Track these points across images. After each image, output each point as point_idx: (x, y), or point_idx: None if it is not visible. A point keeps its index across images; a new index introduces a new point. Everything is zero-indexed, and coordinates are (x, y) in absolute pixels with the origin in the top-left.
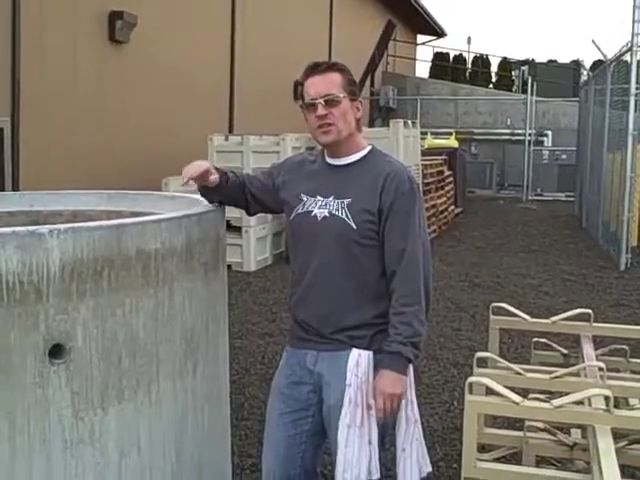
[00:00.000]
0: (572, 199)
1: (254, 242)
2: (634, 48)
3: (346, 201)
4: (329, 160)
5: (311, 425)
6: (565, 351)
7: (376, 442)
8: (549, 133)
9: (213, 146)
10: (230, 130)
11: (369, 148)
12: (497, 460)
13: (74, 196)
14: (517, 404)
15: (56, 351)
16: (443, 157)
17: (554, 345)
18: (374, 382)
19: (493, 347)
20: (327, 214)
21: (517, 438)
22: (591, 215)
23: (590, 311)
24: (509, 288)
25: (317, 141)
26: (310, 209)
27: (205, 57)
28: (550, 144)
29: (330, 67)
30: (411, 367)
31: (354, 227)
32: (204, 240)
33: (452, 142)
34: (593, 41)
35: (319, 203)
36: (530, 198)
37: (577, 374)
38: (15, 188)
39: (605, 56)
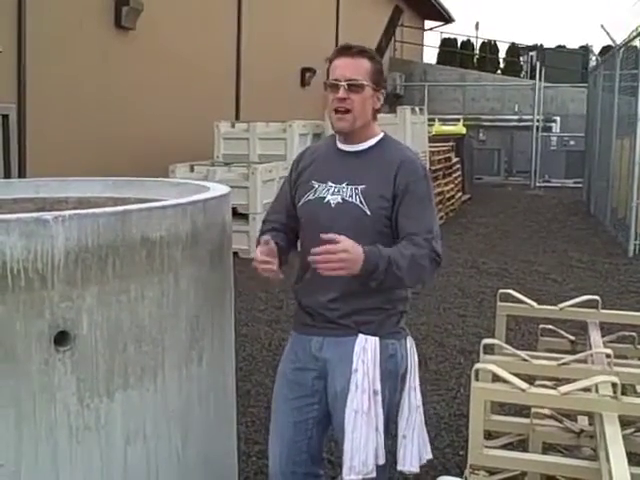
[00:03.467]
0: (580, 186)
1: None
2: None
3: (360, 187)
4: (341, 146)
5: (317, 412)
6: (572, 338)
7: (382, 428)
8: (557, 119)
9: (220, 133)
10: (237, 117)
11: (382, 135)
12: (504, 447)
13: (79, 183)
14: (523, 391)
15: (61, 338)
16: (451, 144)
17: (561, 332)
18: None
19: (500, 334)
20: (340, 200)
21: (524, 425)
22: (599, 202)
23: (598, 298)
24: (516, 275)
25: (332, 125)
26: (322, 195)
27: (212, 43)
28: (558, 130)
29: (362, 52)
30: (415, 356)
31: (368, 213)
32: (209, 227)
33: (460, 128)
34: (602, 26)
35: (332, 189)
36: (538, 185)
37: (584, 361)
38: (21, 175)
39: (614, 41)
